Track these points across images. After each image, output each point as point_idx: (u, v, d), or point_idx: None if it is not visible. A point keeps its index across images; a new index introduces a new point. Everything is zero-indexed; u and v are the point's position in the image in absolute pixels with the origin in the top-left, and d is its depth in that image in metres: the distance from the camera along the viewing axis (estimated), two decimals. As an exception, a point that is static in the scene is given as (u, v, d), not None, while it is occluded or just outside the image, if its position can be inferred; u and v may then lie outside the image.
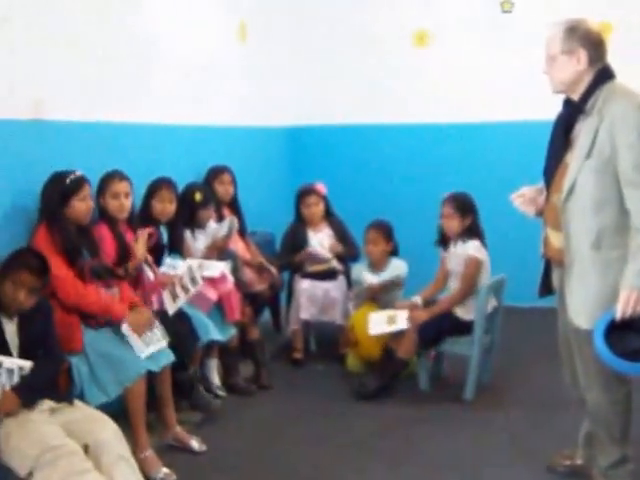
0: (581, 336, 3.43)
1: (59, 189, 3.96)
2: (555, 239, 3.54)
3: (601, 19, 6.22)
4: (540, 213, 3.70)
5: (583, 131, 3.36)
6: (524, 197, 3.70)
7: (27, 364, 3.37)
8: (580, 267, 3.37)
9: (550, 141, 3.64)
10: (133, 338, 3.97)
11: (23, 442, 3.17)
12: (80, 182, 4.01)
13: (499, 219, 5.64)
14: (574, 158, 3.37)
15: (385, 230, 5.64)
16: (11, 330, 3.42)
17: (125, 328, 3.97)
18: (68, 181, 3.97)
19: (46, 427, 3.27)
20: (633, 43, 6.41)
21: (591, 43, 3.37)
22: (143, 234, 4.44)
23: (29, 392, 3.35)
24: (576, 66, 3.37)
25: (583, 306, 3.38)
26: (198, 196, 5.17)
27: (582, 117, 3.39)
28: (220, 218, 5.46)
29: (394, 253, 5.71)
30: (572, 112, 3.45)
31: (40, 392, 3.41)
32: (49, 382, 3.50)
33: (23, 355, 3.40)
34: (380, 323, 5.14)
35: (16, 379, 3.32)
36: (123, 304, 4.13)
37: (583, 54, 3.35)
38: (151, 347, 4.02)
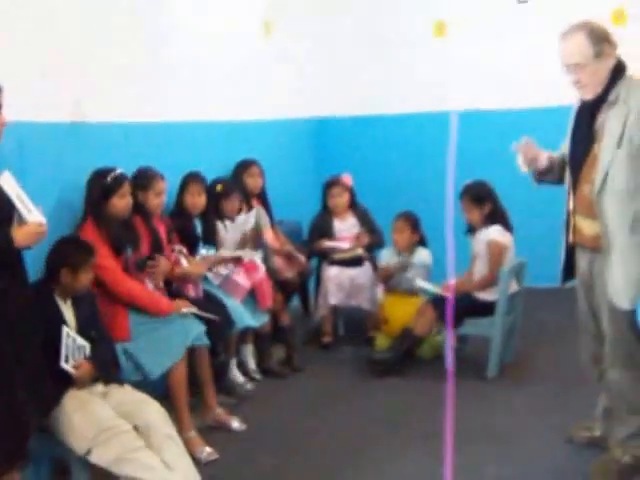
0: (618, 316, 3.55)
1: (100, 187, 4.14)
2: (588, 227, 3.67)
3: (615, 6, 6.42)
4: (535, 172, 3.90)
5: (610, 121, 3.49)
6: (525, 156, 3.83)
7: (87, 344, 3.61)
8: (620, 252, 3.49)
9: (573, 132, 3.76)
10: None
11: (81, 423, 3.41)
12: (120, 180, 4.18)
13: (519, 204, 5.79)
14: (603, 148, 3.50)
15: (412, 220, 5.82)
16: (67, 311, 3.66)
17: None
18: (109, 179, 4.14)
19: (101, 409, 3.51)
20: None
21: (609, 39, 3.52)
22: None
23: (101, 366, 3.64)
24: (607, 65, 3.51)
25: (625, 288, 3.49)
26: (219, 187, 5.35)
27: (605, 108, 3.53)
28: (250, 209, 5.65)
29: (421, 243, 5.87)
30: (595, 103, 3.56)
31: (105, 370, 3.69)
32: (108, 362, 3.77)
33: (80, 336, 3.62)
34: (426, 284, 5.45)
35: (81, 356, 3.57)
36: (167, 299, 4.33)
37: (609, 51, 3.51)
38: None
